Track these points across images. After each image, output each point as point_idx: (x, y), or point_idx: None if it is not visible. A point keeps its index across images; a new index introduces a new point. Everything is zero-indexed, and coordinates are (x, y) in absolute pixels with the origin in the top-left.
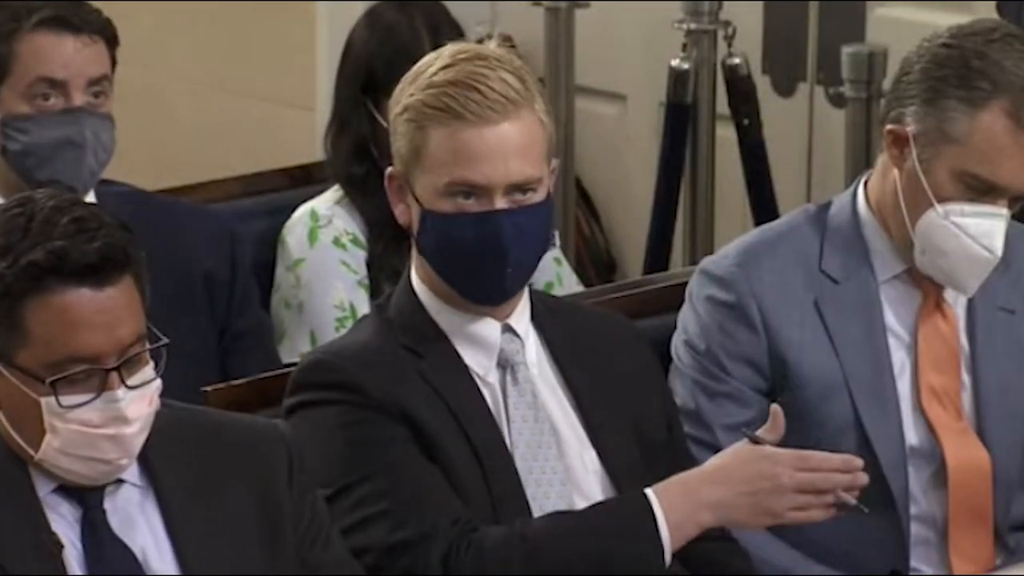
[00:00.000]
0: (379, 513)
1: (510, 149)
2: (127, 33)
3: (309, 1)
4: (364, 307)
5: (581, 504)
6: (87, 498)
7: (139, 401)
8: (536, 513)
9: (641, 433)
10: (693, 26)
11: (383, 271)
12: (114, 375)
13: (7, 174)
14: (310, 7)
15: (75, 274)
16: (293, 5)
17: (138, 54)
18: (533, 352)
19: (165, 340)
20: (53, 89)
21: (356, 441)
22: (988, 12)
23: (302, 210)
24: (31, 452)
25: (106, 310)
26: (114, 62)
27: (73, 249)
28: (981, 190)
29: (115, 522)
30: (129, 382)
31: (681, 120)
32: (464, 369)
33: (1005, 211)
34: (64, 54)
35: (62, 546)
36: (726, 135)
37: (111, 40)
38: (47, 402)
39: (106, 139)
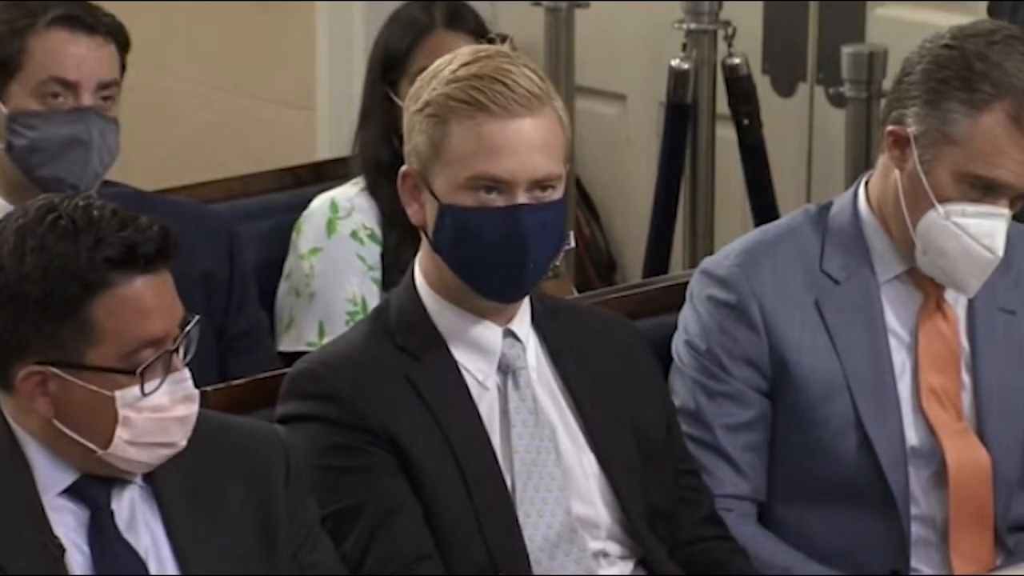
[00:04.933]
0: (342, 556)
1: (534, 144)
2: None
3: (309, 1)
4: (375, 302)
5: (580, 508)
6: (96, 499)
7: (191, 380)
8: (532, 520)
9: (640, 435)
10: (693, 26)
11: (397, 265)
12: (176, 356)
13: (10, 171)
14: (310, 7)
15: (143, 263)
16: (293, 5)
17: (139, 54)
18: (533, 356)
19: (197, 316)
20: (64, 89)
21: (335, 468)
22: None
23: (322, 199)
24: (95, 449)
25: (163, 292)
26: (123, 68)
27: (139, 239)
28: (982, 190)
29: (120, 523)
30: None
31: (681, 120)
32: (458, 376)
33: (1006, 211)
34: (77, 54)
35: (63, 549)
36: (726, 135)
37: (122, 45)
38: (122, 395)
39: (112, 142)
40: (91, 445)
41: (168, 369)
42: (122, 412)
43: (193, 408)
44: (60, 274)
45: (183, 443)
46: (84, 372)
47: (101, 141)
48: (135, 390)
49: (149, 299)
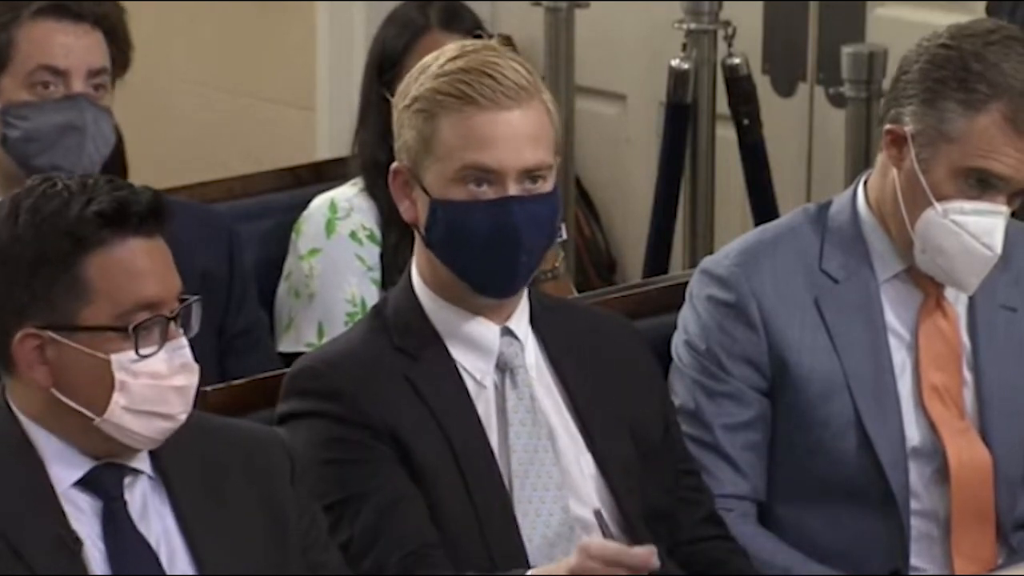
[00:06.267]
0: (345, 542)
1: (522, 135)
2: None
3: (309, 1)
4: (374, 303)
5: (577, 508)
6: (108, 490)
7: (189, 349)
8: (530, 520)
9: (638, 435)
10: (693, 26)
11: (396, 265)
12: (173, 325)
13: (6, 164)
14: (310, 7)
15: (136, 222)
16: (293, 5)
17: (139, 54)
18: (532, 355)
19: (196, 297)
20: (54, 77)
21: (337, 460)
22: None
23: (321, 200)
24: (92, 416)
25: (158, 258)
26: (114, 59)
27: (131, 198)
28: (980, 187)
29: (133, 513)
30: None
31: (681, 120)
32: (456, 375)
33: (1004, 208)
34: (65, 42)
35: (81, 543)
36: (726, 135)
37: (110, 33)
38: (118, 358)
39: (106, 130)
40: (88, 412)
41: (165, 337)
42: (119, 376)
43: (192, 380)
44: (51, 231)
45: (182, 416)
46: (78, 334)
47: (95, 127)
48: (130, 353)
49: (142, 261)
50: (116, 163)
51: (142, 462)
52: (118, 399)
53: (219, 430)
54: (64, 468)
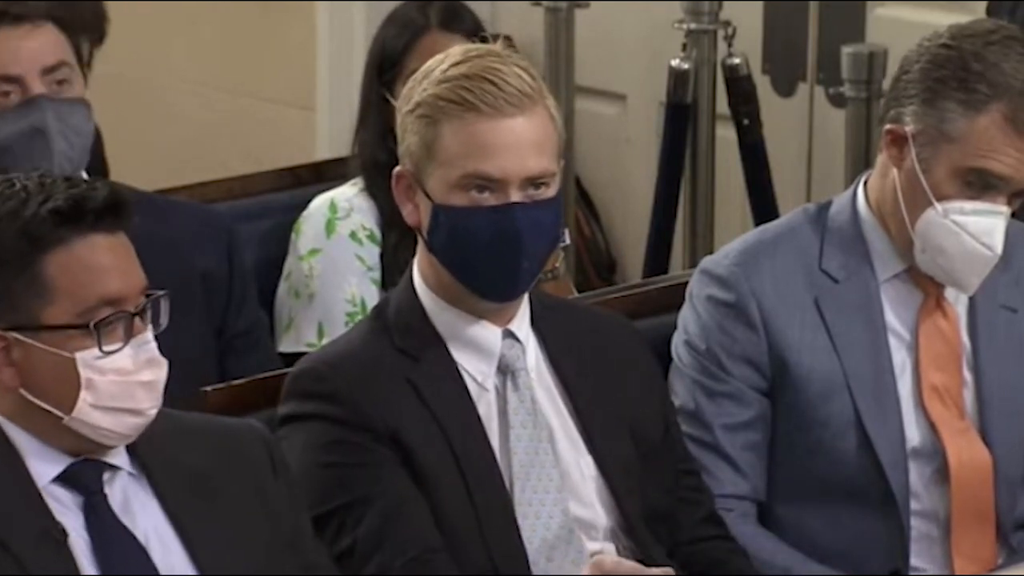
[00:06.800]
0: (347, 549)
1: (525, 143)
2: (128, 32)
3: (309, 1)
4: (374, 303)
5: (577, 510)
6: (88, 484)
7: (155, 344)
8: (530, 522)
9: (638, 435)
10: (693, 26)
11: (396, 265)
12: (138, 320)
13: None
14: (310, 7)
15: (93, 218)
16: (293, 5)
17: (139, 54)
18: (532, 357)
19: (163, 292)
20: (11, 85)
21: (339, 464)
22: None
23: (321, 200)
24: (61, 415)
25: (120, 254)
26: (78, 46)
27: (88, 194)
28: (980, 187)
29: (114, 507)
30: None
31: (681, 120)
32: (457, 377)
33: (1005, 209)
34: (10, 47)
35: (66, 534)
36: (726, 135)
37: (63, 22)
38: (82, 356)
39: (76, 122)
40: (57, 412)
41: (130, 333)
42: (84, 374)
43: (160, 374)
44: (8, 232)
45: (152, 412)
46: (42, 333)
47: (60, 124)
48: (94, 350)
49: (102, 257)
50: (96, 158)
51: (120, 459)
52: (85, 397)
53: (197, 429)
54: (42, 464)
